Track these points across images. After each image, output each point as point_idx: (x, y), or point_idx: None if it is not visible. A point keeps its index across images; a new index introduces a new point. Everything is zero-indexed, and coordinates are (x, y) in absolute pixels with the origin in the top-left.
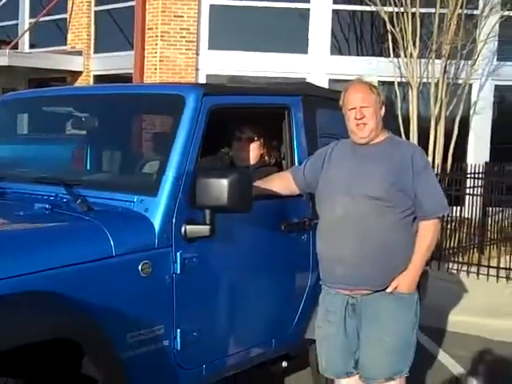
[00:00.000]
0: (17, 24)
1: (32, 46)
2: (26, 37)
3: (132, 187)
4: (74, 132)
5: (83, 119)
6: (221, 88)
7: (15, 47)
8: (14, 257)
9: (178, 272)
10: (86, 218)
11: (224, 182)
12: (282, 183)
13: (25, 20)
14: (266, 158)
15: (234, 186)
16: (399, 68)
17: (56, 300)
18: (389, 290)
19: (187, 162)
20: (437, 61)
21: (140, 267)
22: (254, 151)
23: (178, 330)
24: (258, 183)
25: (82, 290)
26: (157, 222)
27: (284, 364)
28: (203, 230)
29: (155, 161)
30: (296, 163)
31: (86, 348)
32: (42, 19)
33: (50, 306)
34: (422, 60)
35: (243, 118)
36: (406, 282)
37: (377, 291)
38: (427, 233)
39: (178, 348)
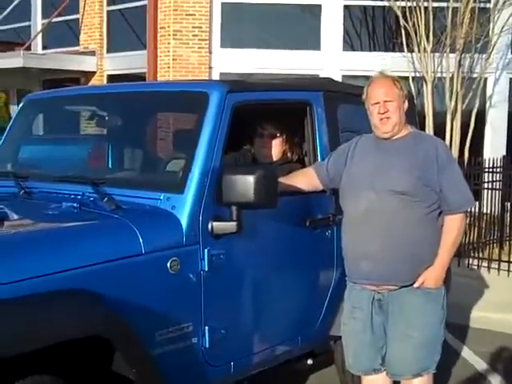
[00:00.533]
0: (29, 25)
1: (45, 47)
2: (39, 38)
3: (158, 185)
4: (95, 131)
5: (106, 118)
6: (244, 84)
7: (28, 48)
8: (46, 255)
9: (206, 269)
10: (114, 216)
11: (250, 179)
12: (305, 179)
13: (37, 21)
14: (289, 154)
15: (260, 183)
16: (413, 63)
17: (87, 298)
18: (416, 285)
19: (212, 159)
20: (451, 55)
21: (169, 264)
22: (277, 148)
23: (206, 328)
24: (281, 179)
25: (112, 287)
26: (184, 219)
27: (309, 361)
28: (230, 226)
29: (180, 158)
30: (318, 159)
31: (117, 345)
32: (54, 20)
33: (82, 304)
34: (436, 54)
35: (265, 115)
36: (432, 276)
37: (403, 286)
38: (453, 227)
39: (207, 345)
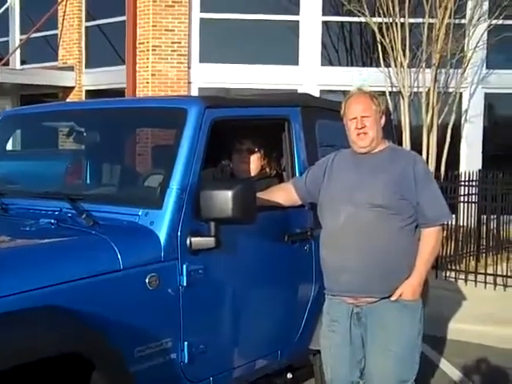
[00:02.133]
0: (7, 41)
1: (23, 62)
2: (17, 53)
3: (136, 200)
4: (71, 147)
5: (85, 134)
6: (222, 100)
7: (6, 64)
8: (22, 272)
9: (185, 284)
10: (92, 233)
11: (228, 194)
12: (283, 194)
13: (15, 37)
14: (267, 169)
15: (238, 198)
16: (390, 78)
17: (64, 314)
18: (393, 297)
19: (191, 175)
20: (427, 70)
21: (147, 280)
22: (255, 163)
23: (186, 343)
24: (259, 194)
25: (90, 304)
26: (162, 235)
27: (289, 375)
28: (208, 241)
29: (158, 174)
30: (296, 174)
31: (95, 362)
32: (32, 35)
33: (58, 320)
34: (413, 69)
35: (243, 130)
36: (410, 289)
37: (382, 299)
38: (430, 240)
39: (186, 361)
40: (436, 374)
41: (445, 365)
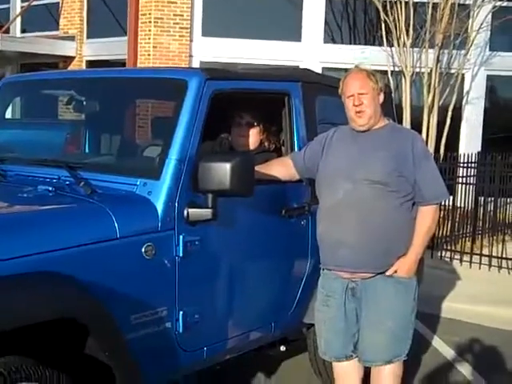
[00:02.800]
0: (8, 8)
1: (24, 30)
2: (18, 21)
3: (135, 170)
4: (70, 116)
5: (84, 103)
6: (223, 73)
7: (6, 32)
8: (19, 237)
9: (181, 255)
10: (89, 201)
11: (226, 166)
12: (281, 168)
13: (16, 4)
14: (266, 143)
15: (236, 170)
16: (392, 57)
17: (60, 280)
18: (388, 272)
19: (190, 146)
20: (430, 50)
21: (143, 249)
22: (254, 137)
23: (181, 313)
24: (257, 168)
25: (86, 271)
26: (160, 205)
27: (282, 348)
28: (205, 213)
29: (157, 145)
30: (295, 149)
31: (90, 328)
32: (33, 3)
33: (54, 285)
34: (415, 49)
35: (243, 104)
36: (405, 266)
37: (377, 274)
38: (426, 218)
39: (180, 330)
40: (428, 351)
41: (437, 342)
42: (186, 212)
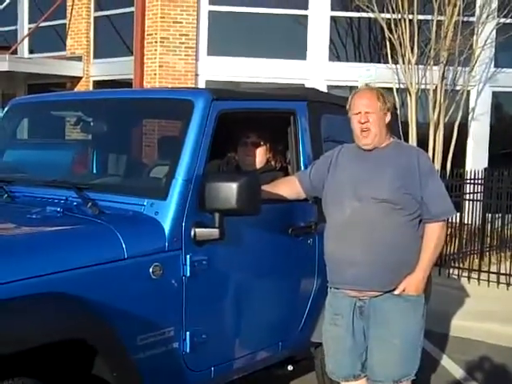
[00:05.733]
0: (16, 29)
1: (31, 51)
2: (26, 42)
3: (142, 191)
4: (78, 136)
5: (92, 123)
6: (229, 93)
7: (15, 52)
8: (28, 259)
9: (188, 275)
10: (97, 221)
11: (233, 186)
12: (288, 187)
13: (24, 25)
14: (272, 162)
15: (242, 190)
16: (397, 74)
17: (68, 301)
18: (397, 291)
19: (196, 166)
20: (435, 67)
21: (151, 270)
22: (260, 156)
23: (188, 333)
24: (264, 187)
25: (94, 291)
26: (167, 225)
27: (290, 367)
28: (212, 233)
29: (164, 165)
30: (301, 168)
31: (98, 349)
32: (41, 25)
33: (63, 307)
34: (420, 66)
35: (250, 123)
36: (413, 283)
37: (385, 292)
38: (434, 235)
39: (187, 350)
40: (437, 371)
41: (446, 361)
42: (193, 232)
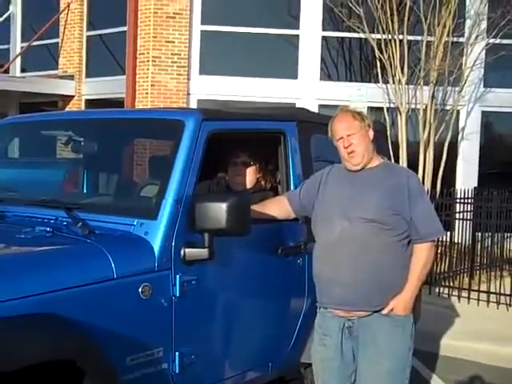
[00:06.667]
0: (8, 48)
1: (23, 70)
2: (18, 61)
3: (132, 210)
4: (68, 156)
5: (82, 143)
6: (219, 113)
7: (6, 71)
8: (16, 279)
9: (178, 295)
10: (87, 241)
11: (223, 206)
12: (278, 207)
13: (16, 44)
14: (262, 182)
15: (232, 210)
16: (388, 94)
17: (57, 322)
18: (385, 311)
19: (186, 186)
20: (425, 87)
21: (140, 290)
22: (250, 176)
23: (177, 353)
24: (254, 207)
25: (83, 311)
26: (156, 245)
27: None
28: (202, 253)
29: (154, 185)
30: (291, 188)
31: (87, 370)
32: (33, 43)
33: (51, 327)
34: (411, 86)
35: (240, 143)
36: (401, 304)
37: (374, 312)
38: (422, 255)
39: (177, 371)
40: None
41: (436, 381)
42: (182, 252)
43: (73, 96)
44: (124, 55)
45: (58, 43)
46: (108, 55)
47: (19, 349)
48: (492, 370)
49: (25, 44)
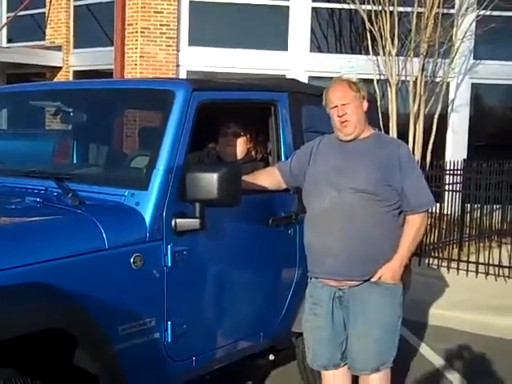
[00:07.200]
0: None
1: (10, 40)
2: (4, 31)
3: (122, 181)
4: (58, 127)
5: (72, 114)
6: (210, 84)
7: None
8: (7, 249)
9: (169, 265)
10: (78, 212)
11: (214, 176)
12: (268, 178)
13: (2, 14)
14: (253, 153)
15: (223, 180)
16: (378, 66)
17: (49, 292)
18: (373, 279)
19: (177, 157)
20: (415, 59)
21: (132, 260)
22: (241, 146)
23: (169, 323)
24: (245, 178)
25: (75, 282)
26: (147, 216)
27: (271, 357)
28: (193, 223)
29: (145, 155)
30: (282, 158)
31: (78, 339)
32: (19, 14)
33: (43, 297)
34: (401, 58)
35: (230, 114)
36: (389, 271)
37: (364, 282)
38: (413, 226)
39: (169, 340)
40: (416, 359)
41: (425, 349)
42: (173, 222)
43: (60, 67)
44: (112, 26)
45: (44, 13)
46: (96, 26)
47: (9, 318)
48: (480, 339)
49: (11, 14)
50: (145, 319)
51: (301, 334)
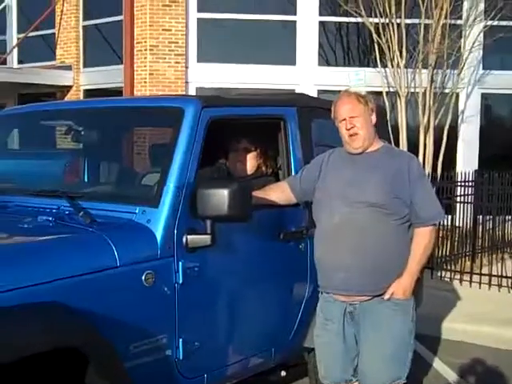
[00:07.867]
0: (5, 40)
1: (21, 61)
2: (15, 52)
3: (133, 198)
4: (69, 146)
5: (82, 133)
6: (219, 100)
7: (4, 63)
8: (20, 268)
9: (180, 282)
10: (89, 230)
11: (224, 192)
12: (279, 193)
13: (13, 35)
14: (263, 168)
15: (234, 196)
16: (387, 78)
17: (61, 310)
18: (385, 296)
19: (187, 173)
20: (423, 70)
21: (143, 277)
22: (251, 161)
23: (180, 340)
24: (255, 193)
25: (87, 300)
26: (159, 233)
27: (283, 373)
28: (204, 239)
29: (155, 172)
30: (292, 173)
31: (91, 357)
32: (30, 34)
33: (56, 316)
34: (409, 70)
35: (240, 129)
36: (401, 288)
37: (374, 297)
38: (423, 239)
39: (180, 357)
40: (430, 374)
41: (439, 364)
42: (184, 239)
43: (71, 86)
44: (121, 44)
45: (54, 34)
46: (105, 45)
47: (23, 338)
48: (494, 353)
49: (21, 35)
50: (156, 336)
51: (312, 350)
